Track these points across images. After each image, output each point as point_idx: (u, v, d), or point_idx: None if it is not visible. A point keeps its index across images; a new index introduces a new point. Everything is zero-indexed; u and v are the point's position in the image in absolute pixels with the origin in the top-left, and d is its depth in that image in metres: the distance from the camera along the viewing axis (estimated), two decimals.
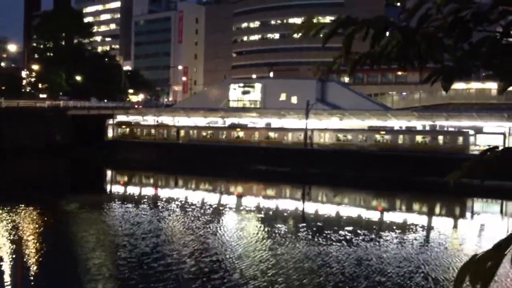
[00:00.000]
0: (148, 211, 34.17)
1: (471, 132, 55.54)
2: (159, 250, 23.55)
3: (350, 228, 29.39)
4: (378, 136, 57.88)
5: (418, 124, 62.29)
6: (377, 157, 54.34)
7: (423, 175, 48.50)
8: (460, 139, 54.62)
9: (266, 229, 29.11)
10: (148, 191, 49.72)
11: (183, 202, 39.60)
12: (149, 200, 41.03)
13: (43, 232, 27.15)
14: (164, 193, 47.85)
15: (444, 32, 2.48)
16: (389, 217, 37.00)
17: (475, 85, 76.47)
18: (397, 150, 55.09)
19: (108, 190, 50.66)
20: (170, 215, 33.22)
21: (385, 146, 56.38)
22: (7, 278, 19.27)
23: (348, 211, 38.20)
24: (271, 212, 36.42)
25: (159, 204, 38.43)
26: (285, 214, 35.97)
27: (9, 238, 25.30)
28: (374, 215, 37.65)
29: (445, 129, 59.44)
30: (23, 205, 33.15)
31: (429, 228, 32.35)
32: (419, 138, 56.41)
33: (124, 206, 36.20)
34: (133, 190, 49.97)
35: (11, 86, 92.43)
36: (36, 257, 22.44)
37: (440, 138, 55.58)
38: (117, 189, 51.60)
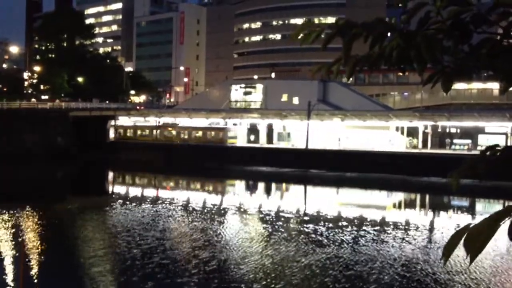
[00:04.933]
0: (152, 213, 34.15)
1: (230, 128, 69.01)
2: (164, 251, 23.53)
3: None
4: (167, 132, 72.26)
5: (420, 124, 62.26)
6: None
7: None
8: (221, 134, 67.92)
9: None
10: (150, 192, 49.75)
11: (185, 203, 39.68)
12: (152, 202, 41.03)
13: (44, 235, 27.16)
14: (165, 194, 47.91)
15: (444, 34, 2.48)
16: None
17: (476, 85, 76.39)
18: (183, 141, 69.97)
19: (109, 192, 50.65)
20: (176, 216, 33.24)
21: (174, 139, 70.60)
22: (9, 279, 19.31)
23: None
24: None
25: (162, 205, 38.41)
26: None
27: (12, 240, 25.33)
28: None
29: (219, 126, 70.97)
30: (24, 208, 33.13)
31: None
32: (199, 133, 70.05)
33: (126, 208, 36.21)
34: (135, 191, 49.98)
35: (13, 88, 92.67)
36: (38, 258, 22.47)
37: (208, 133, 69.20)
38: (118, 190, 51.63)
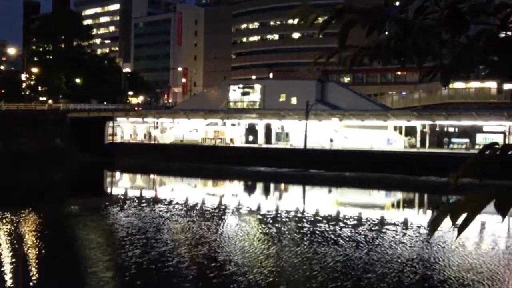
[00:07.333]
0: (150, 214, 34.10)
1: (110, 125, 75.28)
2: (162, 253, 23.48)
3: None
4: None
5: (418, 123, 62.28)
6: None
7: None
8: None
9: None
10: (147, 193, 49.73)
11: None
12: (150, 203, 40.99)
13: (42, 236, 27.09)
14: (161, 195, 47.90)
15: (442, 24, 2.47)
16: None
17: (474, 84, 76.42)
18: None
19: (108, 193, 50.59)
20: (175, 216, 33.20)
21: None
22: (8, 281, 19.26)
23: None
24: None
25: (159, 206, 38.38)
26: None
27: (12, 242, 25.29)
28: None
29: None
30: (22, 210, 33.00)
31: None
32: None
33: (125, 209, 36.16)
34: (133, 192, 49.95)
35: (11, 90, 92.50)
36: (37, 260, 22.44)
37: None
38: (117, 191, 51.57)
